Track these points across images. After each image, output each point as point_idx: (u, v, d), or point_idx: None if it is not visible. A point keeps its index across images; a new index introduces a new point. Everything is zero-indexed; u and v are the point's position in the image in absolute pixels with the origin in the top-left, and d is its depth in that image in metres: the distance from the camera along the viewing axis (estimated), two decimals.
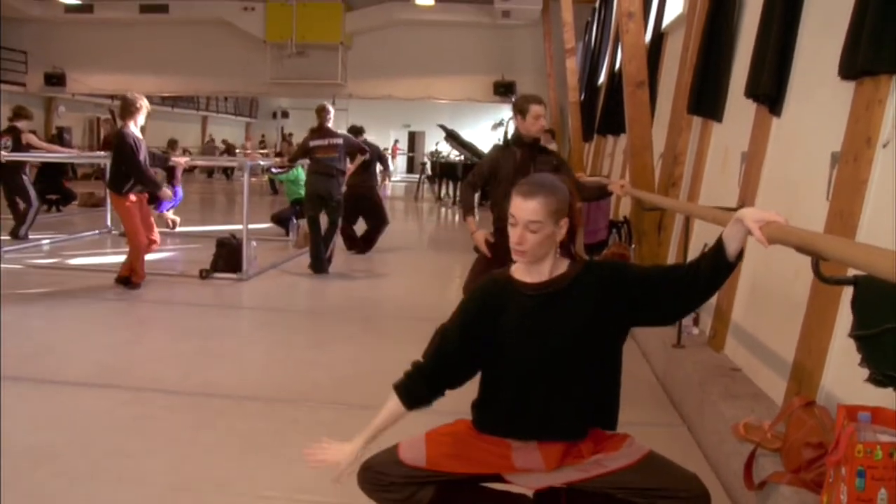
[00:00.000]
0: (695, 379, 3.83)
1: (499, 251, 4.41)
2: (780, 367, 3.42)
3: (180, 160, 7.24)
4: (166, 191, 7.19)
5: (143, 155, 6.50)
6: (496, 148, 5.13)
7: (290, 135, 26.02)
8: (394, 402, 2.39)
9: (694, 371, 3.92)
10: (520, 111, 4.77)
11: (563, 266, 2.27)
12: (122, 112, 6.70)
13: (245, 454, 3.43)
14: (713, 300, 4.49)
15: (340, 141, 8.11)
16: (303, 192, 10.32)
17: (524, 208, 2.15)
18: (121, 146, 6.54)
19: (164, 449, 3.46)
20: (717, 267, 2.15)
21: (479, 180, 5.00)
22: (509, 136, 4.97)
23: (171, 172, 10.95)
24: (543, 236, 2.17)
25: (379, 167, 10.17)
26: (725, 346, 4.23)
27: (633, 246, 6.42)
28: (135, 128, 6.64)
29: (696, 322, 4.73)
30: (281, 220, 11.12)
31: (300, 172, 10.64)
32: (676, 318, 2.45)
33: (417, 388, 2.36)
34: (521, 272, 2.28)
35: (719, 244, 2.13)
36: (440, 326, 2.39)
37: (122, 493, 3.00)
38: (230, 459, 3.37)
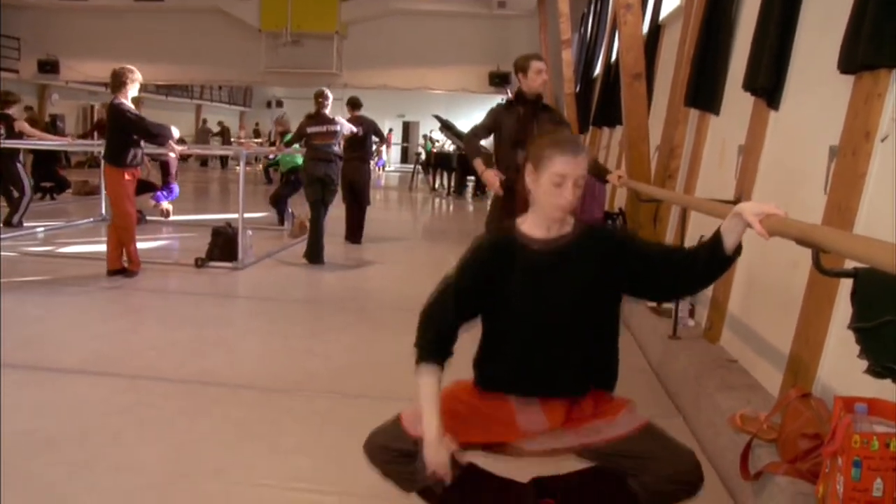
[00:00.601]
0: (690, 371, 3.85)
1: (508, 197, 4.54)
2: (776, 358, 3.44)
3: (175, 147, 7.19)
4: (172, 144, 7.12)
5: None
6: (498, 105, 5.21)
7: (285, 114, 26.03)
8: (431, 373, 2.31)
9: (690, 363, 3.94)
10: (521, 69, 4.95)
11: (569, 225, 2.30)
12: (113, 85, 6.69)
13: (241, 443, 3.43)
14: (709, 291, 4.51)
15: (337, 127, 8.08)
16: (298, 160, 10.39)
17: (576, 165, 2.17)
18: (117, 115, 6.55)
19: (160, 437, 3.46)
20: (714, 260, 2.16)
21: (482, 132, 5.13)
22: None
23: (165, 168, 10.92)
24: (581, 190, 2.21)
25: (374, 139, 10.07)
26: (721, 338, 4.25)
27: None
28: (127, 101, 6.63)
29: (691, 314, 4.74)
30: (279, 200, 11.00)
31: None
32: (672, 297, 2.48)
33: (442, 346, 2.32)
34: (530, 226, 2.29)
35: (717, 237, 2.14)
36: (446, 277, 2.37)
37: (120, 481, 3.00)
38: (226, 448, 3.37)
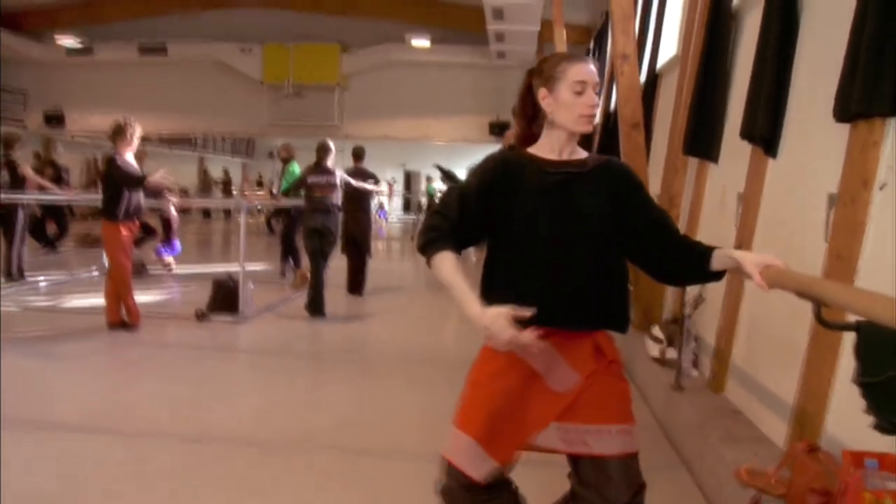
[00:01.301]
0: (694, 422, 3.80)
1: None
2: (781, 409, 3.39)
3: (173, 199, 7.23)
4: (170, 196, 7.11)
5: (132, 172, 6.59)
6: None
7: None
8: (446, 257, 2.08)
9: (693, 413, 3.88)
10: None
11: (582, 154, 2.28)
12: (113, 136, 6.72)
13: (239, 500, 3.38)
14: (712, 341, 4.48)
15: (337, 180, 8.11)
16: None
17: (591, 71, 2.18)
18: (109, 168, 6.59)
19: (157, 494, 3.41)
20: (694, 271, 2.22)
21: None
22: None
23: (167, 224, 10.95)
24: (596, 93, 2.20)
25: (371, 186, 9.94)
26: (726, 388, 4.20)
27: (630, 287, 6.38)
28: (130, 157, 6.68)
29: (695, 364, 4.70)
30: (289, 240, 10.78)
31: (295, 168, 10.61)
32: (648, 272, 2.33)
33: (451, 236, 2.12)
34: (542, 149, 2.26)
35: (708, 258, 2.15)
36: (455, 188, 2.26)
37: None
38: None
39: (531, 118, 2.30)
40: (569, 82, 2.16)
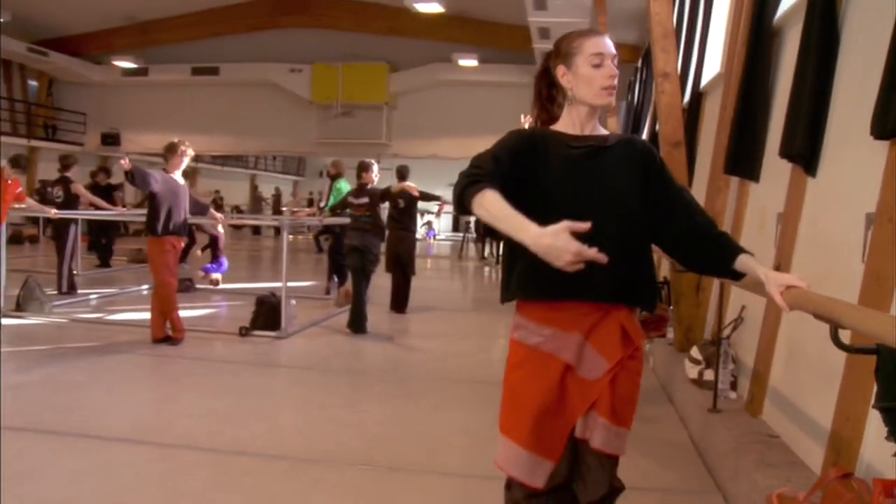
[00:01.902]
0: (729, 445, 3.72)
1: None
2: (818, 434, 3.30)
3: (216, 215, 7.39)
4: (213, 212, 7.25)
5: (164, 191, 6.69)
6: None
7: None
8: (492, 193, 1.93)
9: (729, 437, 3.80)
10: None
11: (604, 131, 2.31)
12: (165, 153, 6.98)
13: None
14: (750, 362, 4.39)
15: (367, 200, 8.17)
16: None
17: (607, 44, 2.21)
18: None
19: None
20: (718, 266, 2.23)
21: None
22: None
23: (214, 242, 11.16)
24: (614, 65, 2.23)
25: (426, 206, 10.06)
26: (763, 412, 4.11)
27: (671, 307, 6.31)
28: (178, 174, 6.84)
29: (733, 386, 4.61)
30: (337, 256, 10.82)
31: (343, 185, 10.76)
32: (666, 250, 2.28)
33: (491, 181, 1.98)
34: (564, 126, 2.28)
35: (733, 259, 2.16)
36: (484, 151, 2.19)
37: None
38: None
39: (549, 99, 2.34)
40: (586, 55, 2.19)
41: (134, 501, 3.49)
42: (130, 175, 6.41)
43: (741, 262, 2.15)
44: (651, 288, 2.30)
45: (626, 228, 2.18)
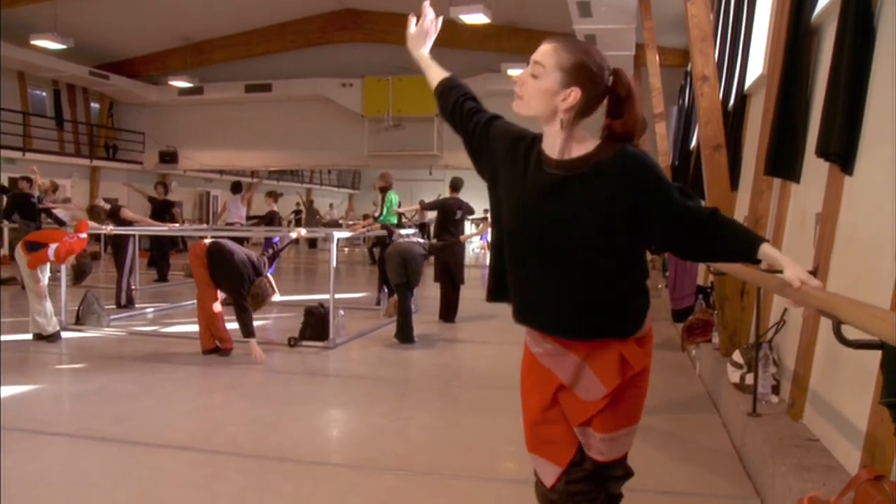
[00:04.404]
0: (767, 449, 3.66)
1: None
2: (855, 437, 3.24)
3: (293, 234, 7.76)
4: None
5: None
6: None
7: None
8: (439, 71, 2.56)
9: (767, 441, 3.75)
10: None
11: (587, 146, 2.06)
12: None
13: None
14: (790, 365, 4.32)
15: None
16: (393, 220, 10.90)
17: (541, 49, 2.06)
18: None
19: None
20: (738, 257, 2.17)
21: None
22: None
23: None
24: (541, 88, 2.01)
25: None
26: (804, 416, 4.04)
27: (715, 312, 6.23)
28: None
29: (775, 390, 4.53)
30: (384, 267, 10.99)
31: (393, 197, 10.97)
32: (681, 256, 2.26)
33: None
34: (546, 144, 2.12)
35: (755, 251, 2.06)
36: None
37: None
38: None
39: None
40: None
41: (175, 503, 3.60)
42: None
43: (763, 252, 2.05)
44: (623, 318, 2.14)
45: (587, 264, 2.07)
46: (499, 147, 2.22)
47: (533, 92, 2.04)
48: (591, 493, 2.22)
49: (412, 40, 2.52)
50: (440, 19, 2.52)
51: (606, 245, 2.06)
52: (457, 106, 2.38)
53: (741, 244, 2.11)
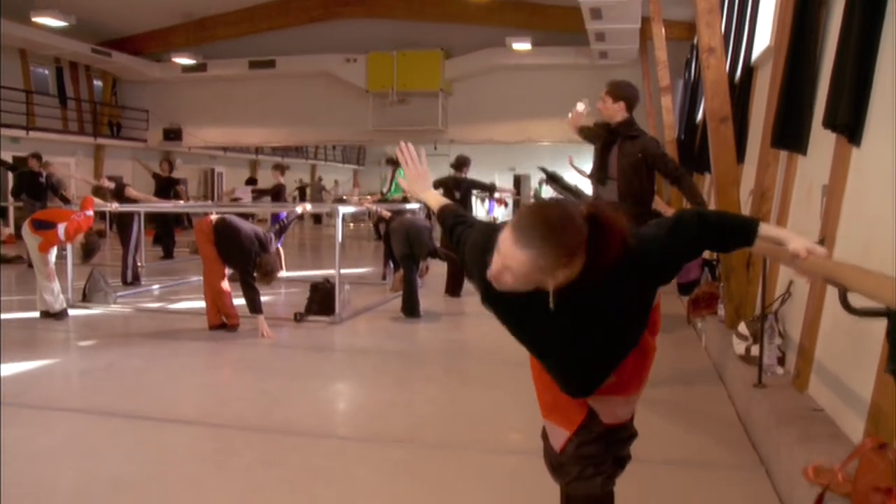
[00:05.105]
0: (772, 420, 3.68)
1: None
2: (860, 407, 3.25)
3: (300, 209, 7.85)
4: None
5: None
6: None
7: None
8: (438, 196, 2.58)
9: (772, 412, 3.76)
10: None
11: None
12: None
13: (313, 489, 3.51)
14: (796, 337, 4.33)
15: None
16: (399, 194, 11.10)
17: (513, 256, 1.75)
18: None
19: (236, 483, 3.57)
20: (739, 245, 2.12)
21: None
22: None
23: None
24: (527, 284, 1.81)
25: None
26: (809, 386, 4.05)
27: (721, 284, 6.23)
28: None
29: (781, 361, 4.55)
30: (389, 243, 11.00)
31: (402, 174, 10.94)
32: None
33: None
34: None
35: (754, 235, 2.03)
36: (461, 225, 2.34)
37: None
38: (298, 494, 3.45)
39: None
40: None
41: (182, 477, 3.63)
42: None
43: (762, 232, 2.04)
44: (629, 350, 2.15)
45: (599, 360, 2.11)
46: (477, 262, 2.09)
47: (515, 285, 1.83)
48: (599, 457, 2.25)
49: (414, 184, 2.60)
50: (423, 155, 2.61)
51: (625, 332, 2.10)
52: (450, 232, 2.40)
53: (738, 236, 2.08)
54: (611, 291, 1.91)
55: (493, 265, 1.81)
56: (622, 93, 5.06)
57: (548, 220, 1.74)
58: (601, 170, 5.14)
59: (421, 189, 2.57)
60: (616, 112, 5.01)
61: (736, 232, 2.08)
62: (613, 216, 1.79)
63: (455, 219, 2.38)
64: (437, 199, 2.54)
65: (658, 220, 2.12)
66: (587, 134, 5.44)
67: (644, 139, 5.09)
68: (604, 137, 5.08)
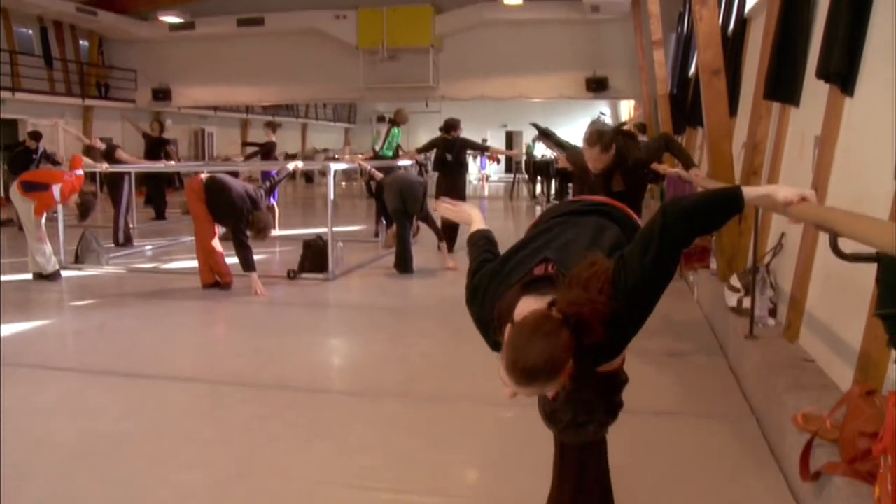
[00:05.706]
0: (763, 371, 3.72)
1: None
2: (850, 356, 3.28)
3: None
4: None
5: None
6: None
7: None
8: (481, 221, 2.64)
9: (763, 362, 3.80)
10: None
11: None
12: None
13: (309, 444, 3.55)
14: (787, 288, 4.36)
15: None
16: (390, 153, 11.14)
17: (517, 389, 1.80)
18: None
19: (232, 438, 3.61)
20: (726, 217, 2.03)
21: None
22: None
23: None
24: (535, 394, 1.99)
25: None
26: (800, 337, 4.09)
27: (713, 237, 6.25)
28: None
29: (772, 313, 4.58)
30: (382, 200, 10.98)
31: (396, 133, 11.30)
32: None
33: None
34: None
35: (738, 203, 1.97)
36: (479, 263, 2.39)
37: (191, 477, 3.16)
38: (294, 448, 3.49)
39: None
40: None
41: (179, 433, 3.67)
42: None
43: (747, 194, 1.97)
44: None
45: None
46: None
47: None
48: (591, 403, 2.27)
49: (461, 216, 2.76)
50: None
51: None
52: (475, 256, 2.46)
53: (723, 210, 2.01)
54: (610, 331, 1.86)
55: (503, 380, 1.80)
56: (611, 139, 4.85)
57: (534, 368, 1.73)
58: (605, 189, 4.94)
59: (468, 216, 2.69)
60: (611, 156, 4.85)
61: (720, 207, 2.01)
62: (589, 307, 1.76)
63: (486, 246, 2.48)
64: (480, 223, 2.63)
65: (638, 235, 2.00)
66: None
67: (624, 159, 4.98)
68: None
